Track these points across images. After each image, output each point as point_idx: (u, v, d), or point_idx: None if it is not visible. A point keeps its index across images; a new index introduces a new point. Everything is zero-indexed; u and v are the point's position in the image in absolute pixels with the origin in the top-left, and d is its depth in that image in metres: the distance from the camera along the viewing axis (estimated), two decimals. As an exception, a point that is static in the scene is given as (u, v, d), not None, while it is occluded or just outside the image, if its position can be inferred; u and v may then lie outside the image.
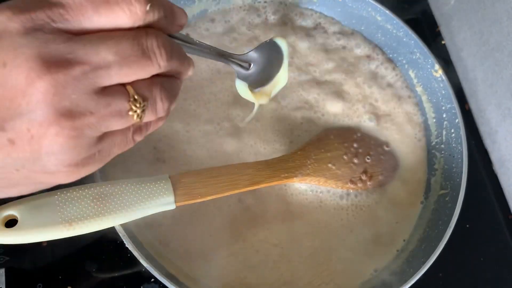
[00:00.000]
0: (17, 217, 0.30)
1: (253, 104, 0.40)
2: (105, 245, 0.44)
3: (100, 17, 0.23)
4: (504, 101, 0.53)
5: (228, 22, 0.52)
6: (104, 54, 0.22)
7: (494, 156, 0.57)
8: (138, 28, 0.24)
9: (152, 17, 0.24)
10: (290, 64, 0.49)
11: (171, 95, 0.27)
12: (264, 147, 0.46)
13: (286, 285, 0.41)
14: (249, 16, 0.52)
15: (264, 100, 0.40)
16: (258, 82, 0.39)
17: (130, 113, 0.24)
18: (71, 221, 0.31)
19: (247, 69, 0.37)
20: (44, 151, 0.22)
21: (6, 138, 0.22)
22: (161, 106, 0.26)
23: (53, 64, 0.21)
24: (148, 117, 0.26)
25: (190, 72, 0.29)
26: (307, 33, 0.52)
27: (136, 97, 0.24)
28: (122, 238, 0.37)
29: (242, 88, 0.38)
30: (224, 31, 0.51)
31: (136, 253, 0.37)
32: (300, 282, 0.41)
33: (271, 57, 0.39)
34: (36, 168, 0.23)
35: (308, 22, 0.53)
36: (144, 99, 0.25)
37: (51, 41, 0.21)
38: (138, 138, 0.27)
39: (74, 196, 0.32)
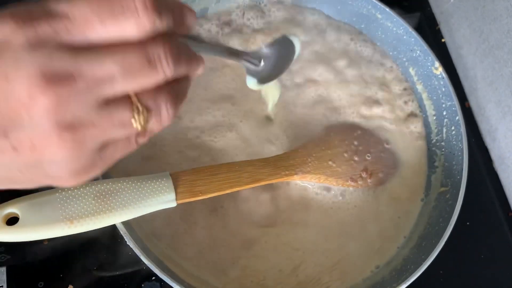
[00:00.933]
0: (18, 215, 0.30)
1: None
2: (106, 243, 0.44)
3: (106, 30, 0.22)
4: (504, 98, 0.53)
5: (227, 21, 0.52)
6: (108, 67, 0.22)
7: (494, 154, 0.57)
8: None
9: (161, 26, 0.23)
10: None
11: (178, 100, 0.26)
12: (264, 145, 0.46)
13: (300, 285, 0.41)
14: (249, 14, 0.52)
15: (276, 94, 0.40)
16: (269, 76, 0.39)
17: (133, 123, 0.24)
18: (73, 218, 0.31)
19: (258, 65, 0.37)
20: (46, 160, 0.23)
21: (9, 144, 0.22)
22: (166, 115, 0.25)
23: (56, 79, 0.21)
24: (152, 125, 0.25)
25: (199, 71, 0.28)
26: (307, 31, 0.52)
27: (139, 107, 0.24)
28: (123, 235, 0.37)
29: (252, 84, 0.38)
30: (225, 30, 0.51)
31: (137, 251, 0.37)
32: (312, 280, 0.42)
33: (282, 53, 0.39)
34: (39, 172, 0.23)
35: (308, 21, 0.53)
36: (148, 109, 0.24)
37: (55, 55, 0.21)
38: (142, 141, 0.27)
39: (75, 193, 0.32)
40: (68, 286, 0.43)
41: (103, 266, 0.44)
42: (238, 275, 0.41)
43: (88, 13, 0.21)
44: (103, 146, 0.24)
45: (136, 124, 0.24)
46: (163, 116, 0.25)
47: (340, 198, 0.45)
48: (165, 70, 0.23)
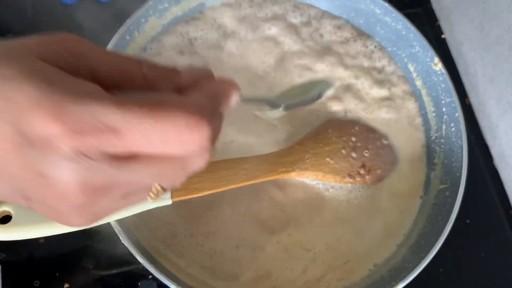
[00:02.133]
0: (11, 213, 0.30)
1: None
2: (102, 241, 0.44)
3: (152, 146, 0.21)
4: (504, 95, 0.53)
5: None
6: (145, 178, 0.22)
7: (494, 151, 0.56)
8: None
9: (211, 145, 0.22)
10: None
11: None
12: (261, 141, 0.45)
13: (307, 283, 0.41)
14: (244, 11, 0.51)
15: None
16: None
17: (148, 199, 0.24)
18: (66, 217, 0.30)
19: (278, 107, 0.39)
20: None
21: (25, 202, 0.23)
22: (178, 185, 0.24)
23: (95, 189, 0.21)
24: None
25: (234, 103, 0.26)
26: (304, 27, 0.52)
27: (158, 189, 0.23)
28: (117, 233, 0.37)
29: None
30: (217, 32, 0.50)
31: (132, 249, 0.37)
32: (319, 280, 0.42)
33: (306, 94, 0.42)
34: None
35: (304, 16, 0.52)
36: (165, 189, 0.24)
37: (97, 167, 0.20)
38: None
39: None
40: (64, 285, 0.43)
41: (100, 265, 0.44)
42: (249, 277, 0.41)
43: (137, 129, 0.20)
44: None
45: (150, 199, 0.24)
46: (176, 186, 0.24)
47: (349, 196, 0.45)
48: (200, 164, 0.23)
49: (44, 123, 0.19)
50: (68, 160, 0.20)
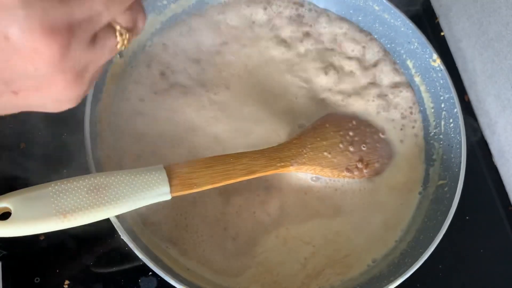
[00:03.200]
0: (10, 210, 0.30)
1: None
2: (103, 238, 0.44)
3: None
4: (503, 91, 0.53)
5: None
6: (97, 5, 0.23)
7: (493, 148, 0.56)
8: None
9: None
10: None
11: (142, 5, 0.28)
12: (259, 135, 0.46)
13: (308, 277, 0.41)
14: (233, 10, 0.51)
15: None
16: None
17: (119, 46, 0.26)
18: (66, 212, 0.30)
19: None
20: (49, 97, 0.25)
21: (9, 90, 0.24)
22: (141, 26, 0.27)
23: (56, 30, 0.22)
24: (132, 37, 0.27)
25: None
26: (302, 24, 0.52)
27: (122, 31, 0.26)
28: (117, 229, 0.37)
29: None
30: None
31: (131, 245, 0.36)
32: (319, 274, 0.42)
33: None
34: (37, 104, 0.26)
35: (301, 11, 0.52)
36: (129, 29, 0.26)
37: (49, 7, 0.22)
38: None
39: (68, 187, 0.31)
40: (64, 282, 0.43)
41: (100, 262, 0.44)
42: (250, 272, 0.41)
43: None
44: (95, 72, 0.26)
45: (121, 45, 0.26)
46: (139, 28, 0.27)
47: (347, 190, 0.45)
48: None
49: None
50: (21, 9, 0.21)
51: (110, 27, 0.25)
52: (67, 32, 0.22)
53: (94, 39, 0.24)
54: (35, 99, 0.25)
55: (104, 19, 0.24)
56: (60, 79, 0.24)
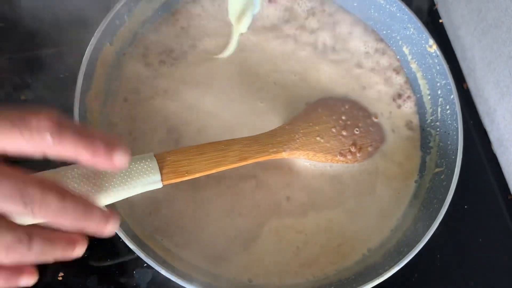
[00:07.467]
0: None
1: None
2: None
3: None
4: (502, 79, 0.52)
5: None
6: None
7: (492, 136, 0.56)
8: None
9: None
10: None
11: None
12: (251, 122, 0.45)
13: (302, 266, 0.41)
14: None
15: (243, 27, 0.40)
16: None
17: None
18: (56, 202, 0.30)
19: None
20: None
21: None
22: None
23: None
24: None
25: None
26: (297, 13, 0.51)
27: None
28: (109, 220, 0.37)
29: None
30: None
31: (123, 237, 0.36)
32: (313, 263, 0.42)
33: None
34: None
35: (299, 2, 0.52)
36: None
37: None
38: None
39: (58, 177, 0.31)
40: (59, 274, 0.43)
41: (94, 255, 0.44)
42: (241, 261, 0.41)
43: None
44: None
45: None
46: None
47: (339, 176, 0.45)
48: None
49: None
50: None
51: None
52: None
53: None
54: None
55: None
56: None
